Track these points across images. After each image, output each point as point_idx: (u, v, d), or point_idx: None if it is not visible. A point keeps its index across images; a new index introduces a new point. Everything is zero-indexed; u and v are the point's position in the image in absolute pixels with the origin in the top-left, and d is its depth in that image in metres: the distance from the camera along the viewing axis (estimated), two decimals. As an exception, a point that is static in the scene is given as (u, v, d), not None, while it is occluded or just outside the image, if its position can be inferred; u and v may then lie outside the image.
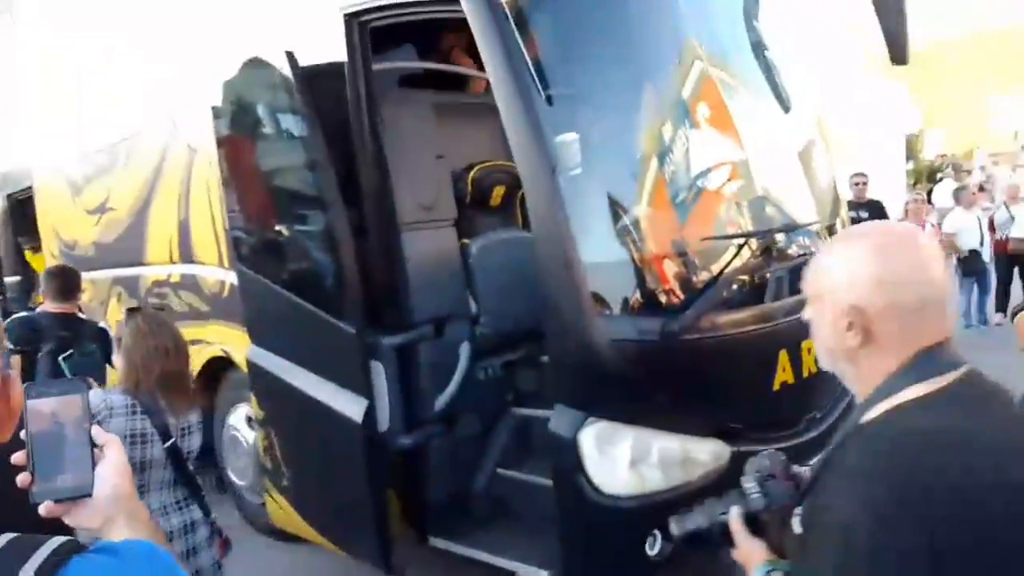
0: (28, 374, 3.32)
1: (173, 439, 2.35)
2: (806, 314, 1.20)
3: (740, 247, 2.97)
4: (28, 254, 6.79)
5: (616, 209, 2.88)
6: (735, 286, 2.95)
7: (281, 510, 3.78)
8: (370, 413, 3.14)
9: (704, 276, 2.91)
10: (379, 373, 3.25)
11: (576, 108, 2.92)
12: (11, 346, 2.74)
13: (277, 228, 3.68)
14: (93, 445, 0.98)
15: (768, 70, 3.62)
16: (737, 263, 2.94)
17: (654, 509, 2.75)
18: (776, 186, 3.40)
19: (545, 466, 3.25)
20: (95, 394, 2.18)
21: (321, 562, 3.84)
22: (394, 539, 3.20)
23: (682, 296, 2.86)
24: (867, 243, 1.11)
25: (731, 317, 2.93)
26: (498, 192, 3.82)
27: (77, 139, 5.48)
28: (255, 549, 4.12)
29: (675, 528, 1.53)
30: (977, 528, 0.97)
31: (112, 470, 0.99)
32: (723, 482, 2.84)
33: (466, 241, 3.62)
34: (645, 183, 3.02)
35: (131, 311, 3.07)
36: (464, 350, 3.49)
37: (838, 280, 1.11)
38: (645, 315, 2.79)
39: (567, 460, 2.68)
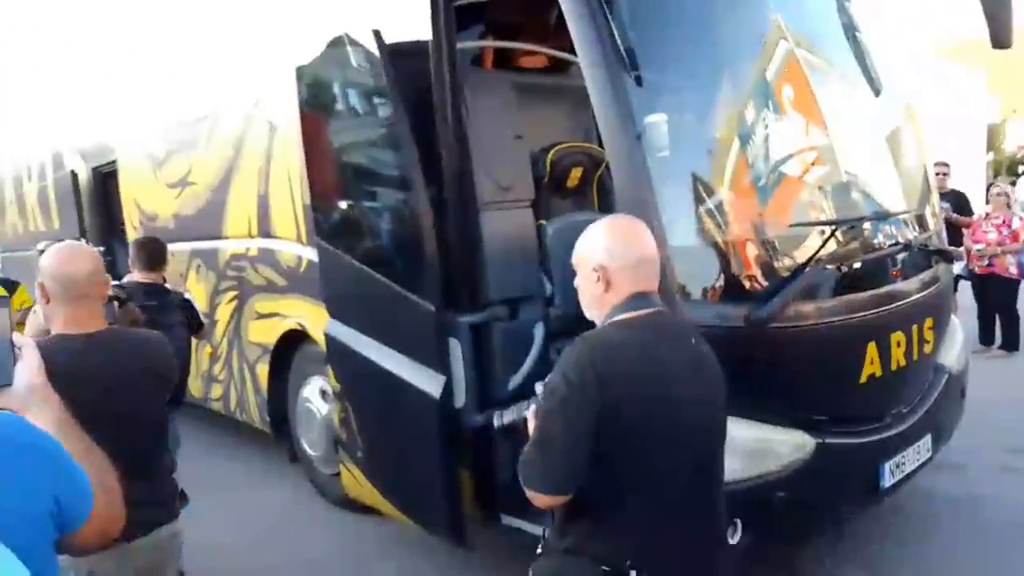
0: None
1: None
2: (576, 280, 1.78)
3: (829, 235, 2.89)
4: None
5: (703, 192, 2.84)
6: (823, 274, 2.87)
7: (355, 481, 3.86)
8: (447, 390, 3.17)
9: (791, 263, 2.84)
10: (455, 351, 3.28)
11: (665, 89, 2.89)
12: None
13: (358, 205, 3.74)
14: (13, 347, 1.26)
15: (858, 54, 3.51)
16: (826, 251, 2.86)
17: (734, 499, 2.72)
18: (865, 173, 3.31)
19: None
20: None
21: (389, 532, 3.92)
22: (467, 515, 3.24)
23: (768, 283, 2.81)
24: (603, 225, 1.74)
25: (819, 306, 2.86)
26: (575, 174, 3.80)
27: (160, 114, 5.65)
28: (323, 519, 4.24)
29: (496, 421, 2.04)
30: (633, 399, 1.57)
31: (26, 368, 1.27)
32: (807, 473, 2.80)
33: (543, 222, 3.61)
34: (732, 167, 2.96)
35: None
36: (538, 331, 3.49)
37: (588, 250, 1.73)
38: (729, 301, 2.75)
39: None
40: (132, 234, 6.00)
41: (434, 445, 3.19)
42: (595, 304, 1.73)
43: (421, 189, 3.21)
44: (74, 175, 7.17)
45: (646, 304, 1.68)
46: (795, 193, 3.10)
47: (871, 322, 2.89)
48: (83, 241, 3.00)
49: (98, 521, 1.20)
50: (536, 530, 3.24)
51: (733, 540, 2.74)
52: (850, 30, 3.52)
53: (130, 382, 2.00)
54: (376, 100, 3.55)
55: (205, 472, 4.50)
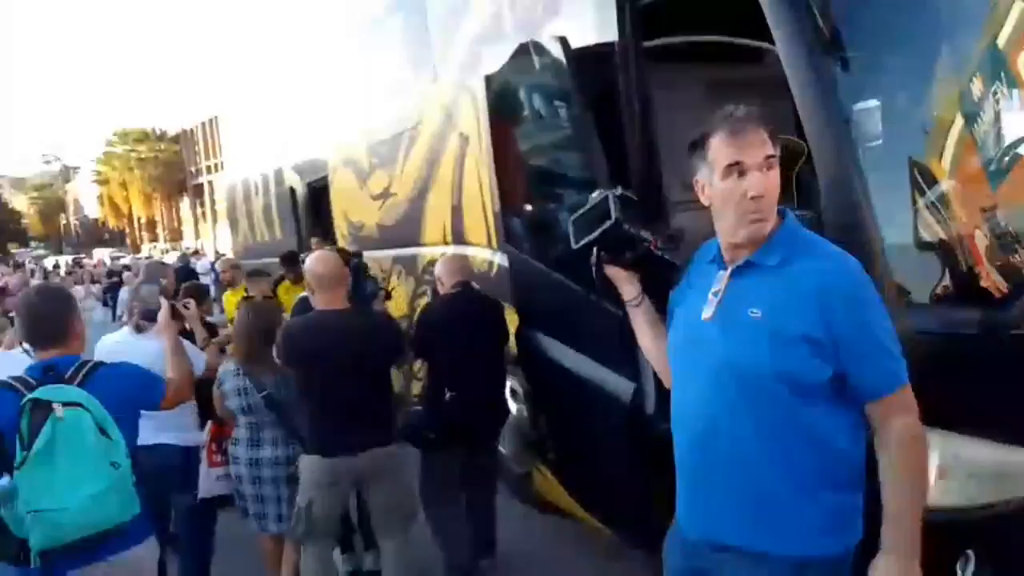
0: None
1: (267, 391, 3.17)
2: None
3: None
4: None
5: (924, 184, 2.54)
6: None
7: (547, 482, 3.91)
8: (637, 395, 3.12)
9: (1035, 261, 2.47)
10: (644, 357, 3.21)
11: (876, 72, 2.62)
12: None
13: (545, 209, 3.78)
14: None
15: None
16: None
17: (966, 527, 2.43)
18: None
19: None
20: (222, 367, 3.38)
21: (579, 530, 3.91)
22: (660, 524, 3.16)
23: (1008, 284, 2.46)
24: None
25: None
26: (772, 169, 3.58)
27: (365, 131, 6.10)
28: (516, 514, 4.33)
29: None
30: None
31: (162, 314, 2.90)
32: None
33: (735, 222, 3.43)
34: (957, 154, 2.63)
35: (245, 299, 4.43)
36: (732, 337, 3.32)
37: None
38: (960, 305, 2.44)
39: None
40: (342, 243, 6.53)
41: (624, 452, 3.15)
42: None
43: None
44: (292, 190, 7.94)
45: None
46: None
47: None
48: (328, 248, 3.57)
49: (171, 398, 2.53)
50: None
51: (964, 574, 2.44)
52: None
53: (364, 345, 3.03)
54: (562, 104, 3.57)
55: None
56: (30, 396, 2.07)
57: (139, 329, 3.40)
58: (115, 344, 3.28)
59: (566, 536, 4.00)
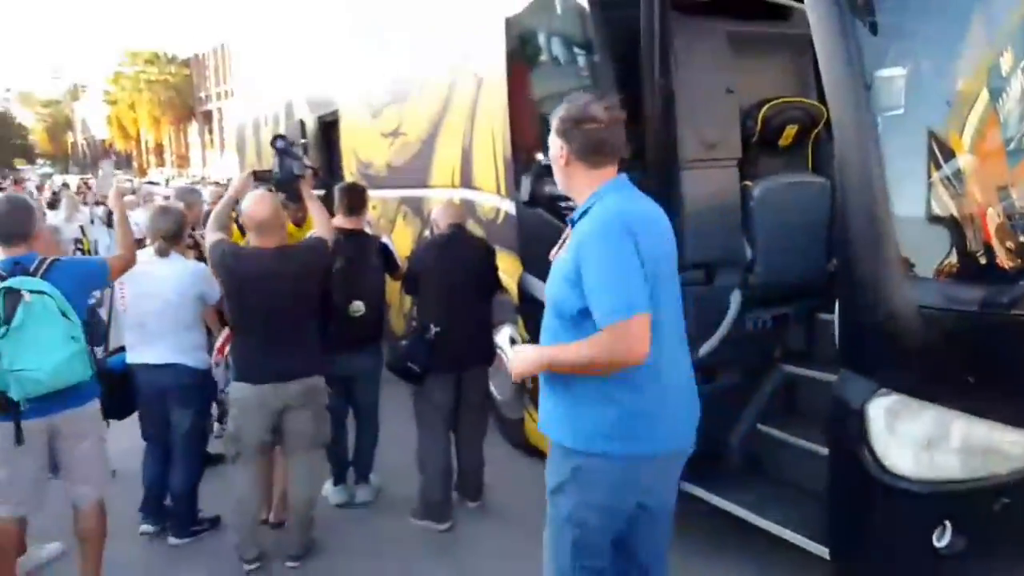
0: (324, 288, 3.68)
1: None
2: None
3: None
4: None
5: (941, 156, 2.51)
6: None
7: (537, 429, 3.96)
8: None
9: (1045, 241, 2.46)
10: (644, 313, 3.22)
11: (902, 38, 2.56)
12: None
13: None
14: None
15: None
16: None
17: (947, 499, 2.48)
18: None
19: (810, 429, 3.05)
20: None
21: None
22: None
23: (1012, 263, 2.45)
24: None
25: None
26: (789, 132, 3.53)
27: (378, 68, 6.00)
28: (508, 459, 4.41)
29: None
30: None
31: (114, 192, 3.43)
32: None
33: (748, 183, 3.40)
34: (978, 129, 2.58)
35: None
36: (734, 298, 3.33)
37: None
38: (964, 281, 2.44)
39: (850, 431, 2.47)
40: (350, 178, 6.48)
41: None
42: None
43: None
44: (302, 123, 7.84)
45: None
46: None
47: None
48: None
49: (117, 269, 3.09)
50: (713, 498, 3.16)
51: (940, 543, 2.50)
52: None
53: (291, 281, 3.16)
54: (582, 52, 3.50)
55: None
56: (2, 285, 2.65)
57: (161, 253, 3.50)
58: (141, 265, 3.33)
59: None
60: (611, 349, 1.83)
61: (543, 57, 3.87)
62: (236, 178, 3.82)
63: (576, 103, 2.01)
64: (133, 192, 13.12)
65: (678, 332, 2.06)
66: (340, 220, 3.85)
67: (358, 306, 3.72)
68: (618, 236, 1.88)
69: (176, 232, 3.52)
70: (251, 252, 3.21)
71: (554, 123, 2.01)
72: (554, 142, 2.03)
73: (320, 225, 3.36)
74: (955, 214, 2.48)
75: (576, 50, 3.58)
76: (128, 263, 3.13)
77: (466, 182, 4.73)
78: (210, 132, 48.82)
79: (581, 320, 1.90)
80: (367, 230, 4.08)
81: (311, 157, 7.81)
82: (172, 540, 3.59)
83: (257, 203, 3.21)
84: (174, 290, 3.46)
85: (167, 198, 6.62)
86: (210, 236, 3.28)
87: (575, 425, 1.98)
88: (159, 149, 57.80)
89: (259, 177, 3.59)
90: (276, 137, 3.60)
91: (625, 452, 1.93)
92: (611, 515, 2.01)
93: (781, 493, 3.09)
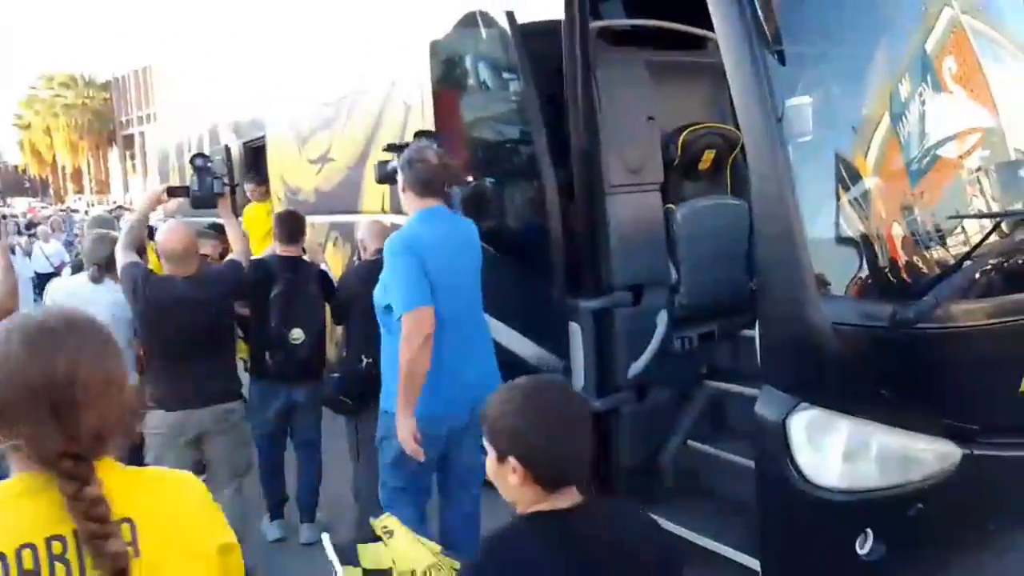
0: (262, 314, 3.62)
1: None
2: None
3: (992, 227, 2.61)
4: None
5: (849, 179, 2.64)
6: (982, 272, 2.61)
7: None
8: (565, 373, 3.17)
9: (946, 259, 2.60)
10: (576, 335, 3.27)
11: (810, 67, 2.69)
12: None
13: (485, 184, 3.77)
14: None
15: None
16: (987, 247, 2.59)
17: (868, 507, 2.57)
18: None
19: (738, 443, 3.14)
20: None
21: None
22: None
23: (919, 280, 2.58)
24: None
25: (975, 307, 2.60)
26: (708, 156, 3.65)
27: (304, 93, 5.93)
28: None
29: None
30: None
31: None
32: (951, 487, 2.59)
33: (671, 206, 3.50)
34: (883, 152, 2.73)
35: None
36: (661, 319, 3.41)
37: None
38: (874, 299, 2.56)
39: (773, 445, 2.55)
40: (277, 205, 6.36)
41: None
42: None
43: (548, 170, 3.19)
44: (227, 149, 7.68)
45: None
46: (953, 181, 2.82)
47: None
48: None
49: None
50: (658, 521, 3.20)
51: (863, 550, 2.59)
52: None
53: (202, 308, 3.15)
54: (506, 79, 3.56)
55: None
56: None
57: (95, 280, 3.51)
58: (76, 290, 3.50)
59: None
60: (408, 330, 2.53)
61: (469, 81, 3.91)
62: (145, 193, 3.89)
63: (417, 147, 2.80)
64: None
65: (469, 326, 2.76)
66: (278, 247, 3.80)
67: (298, 334, 3.64)
68: (401, 253, 2.61)
69: (110, 259, 3.49)
70: (164, 279, 3.18)
71: (403, 159, 2.73)
72: (400, 174, 2.73)
73: (236, 244, 3.39)
74: (864, 233, 2.61)
75: (501, 75, 3.63)
76: (7, 308, 3.03)
77: (396, 207, 4.70)
78: (132, 157, 47.22)
79: (388, 312, 2.65)
80: (304, 258, 4.04)
81: (238, 182, 7.66)
82: None
83: (171, 234, 3.20)
84: (108, 314, 3.38)
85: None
86: (121, 257, 3.20)
87: (387, 391, 2.76)
88: (77, 175, 55.54)
89: (174, 192, 3.54)
90: (196, 155, 3.61)
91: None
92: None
93: (714, 508, 3.16)
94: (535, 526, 1.28)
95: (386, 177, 3.31)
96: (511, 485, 1.29)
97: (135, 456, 3.58)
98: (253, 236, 5.06)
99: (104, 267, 3.48)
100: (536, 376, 1.51)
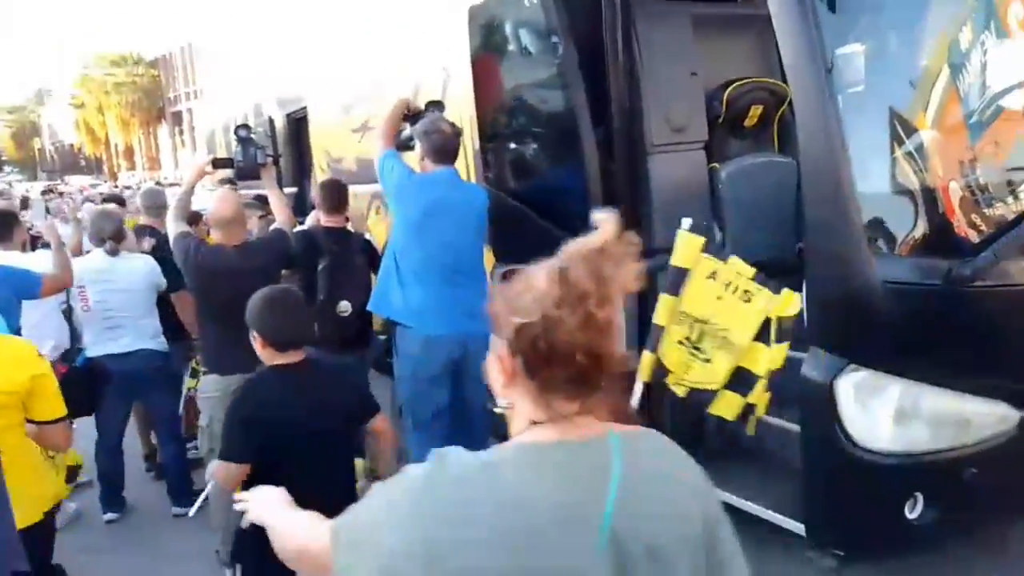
0: (309, 286, 3.62)
1: None
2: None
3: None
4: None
5: (902, 132, 2.53)
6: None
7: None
8: (608, 337, 3.13)
9: (1005, 214, 2.49)
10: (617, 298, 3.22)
11: (862, 14, 2.57)
12: None
13: (525, 148, 3.73)
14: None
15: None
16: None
17: (919, 470, 2.51)
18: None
19: (784, 408, 3.07)
20: None
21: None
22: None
23: (976, 237, 2.47)
24: None
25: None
26: (755, 112, 3.54)
27: (345, 63, 5.93)
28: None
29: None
30: None
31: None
32: (1008, 451, 2.50)
33: (716, 165, 3.41)
34: (938, 103, 2.61)
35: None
36: (706, 281, 3.33)
37: None
38: (928, 256, 2.46)
39: (819, 407, 2.49)
40: (319, 175, 6.42)
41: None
42: None
43: (588, 131, 3.13)
44: (271, 120, 7.75)
45: None
46: (1015, 133, 2.68)
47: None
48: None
49: (49, 287, 3.41)
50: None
51: (912, 514, 2.53)
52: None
53: (254, 275, 3.05)
54: (545, 39, 3.48)
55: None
56: None
57: (112, 253, 3.76)
58: (97, 265, 3.76)
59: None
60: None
61: (507, 46, 3.84)
62: (192, 165, 3.95)
63: (431, 118, 3.20)
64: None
65: (450, 267, 3.12)
66: (323, 218, 3.79)
67: (345, 306, 3.63)
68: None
69: (118, 231, 3.81)
70: (214, 248, 3.28)
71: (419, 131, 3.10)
72: (417, 144, 3.10)
73: (280, 214, 3.48)
74: (917, 190, 2.50)
75: (539, 38, 3.56)
76: (62, 283, 3.52)
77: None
78: (181, 133, 48.15)
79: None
80: (348, 227, 4.04)
81: (281, 153, 7.74)
82: (176, 510, 3.79)
83: (221, 201, 3.30)
84: (131, 283, 3.75)
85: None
86: (173, 228, 3.30)
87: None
88: (129, 152, 56.93)
89: (219, 164, 3.62)
90: (239, 127, 3.68)
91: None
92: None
93: (757, 471, 3.12)
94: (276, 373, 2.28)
95: (402, 145, 3.46)
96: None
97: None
98: None
99: (115, 239, 3.75)
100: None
